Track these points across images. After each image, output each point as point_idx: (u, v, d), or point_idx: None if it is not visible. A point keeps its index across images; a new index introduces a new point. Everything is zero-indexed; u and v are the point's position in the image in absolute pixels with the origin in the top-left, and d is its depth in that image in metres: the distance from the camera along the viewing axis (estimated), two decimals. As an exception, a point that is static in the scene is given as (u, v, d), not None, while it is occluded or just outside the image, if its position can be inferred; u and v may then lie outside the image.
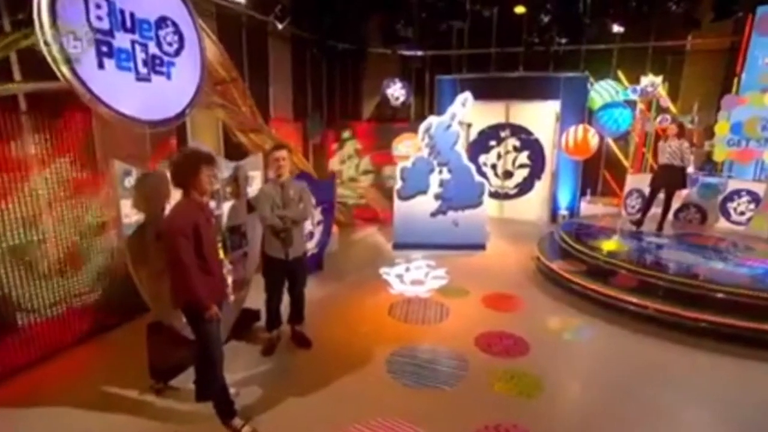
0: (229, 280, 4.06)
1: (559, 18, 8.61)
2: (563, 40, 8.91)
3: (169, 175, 3.13)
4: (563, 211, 9.64)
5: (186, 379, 3.64)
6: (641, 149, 9.17)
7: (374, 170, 9.79)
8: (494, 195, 9.89)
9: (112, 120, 3.35)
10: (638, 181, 8.25)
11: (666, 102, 8.75)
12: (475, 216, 7.64)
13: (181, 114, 3.94)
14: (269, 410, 3.44)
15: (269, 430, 3.24)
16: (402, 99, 10.57)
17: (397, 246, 7.68)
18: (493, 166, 10.23)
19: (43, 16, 2.91)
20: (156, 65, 3.66)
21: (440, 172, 7.49)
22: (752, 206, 7.26)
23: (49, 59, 2.91)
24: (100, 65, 3.21)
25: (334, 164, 10.02)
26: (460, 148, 7.49)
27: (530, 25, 9.33)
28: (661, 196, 6.88)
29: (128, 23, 3.39)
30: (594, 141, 8.36)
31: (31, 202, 3.82)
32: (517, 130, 9.89)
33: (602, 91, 8.59)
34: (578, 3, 8.63)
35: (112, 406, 3.46)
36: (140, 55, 3.51)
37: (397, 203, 7.63)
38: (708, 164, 8.32)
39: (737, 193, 7.44)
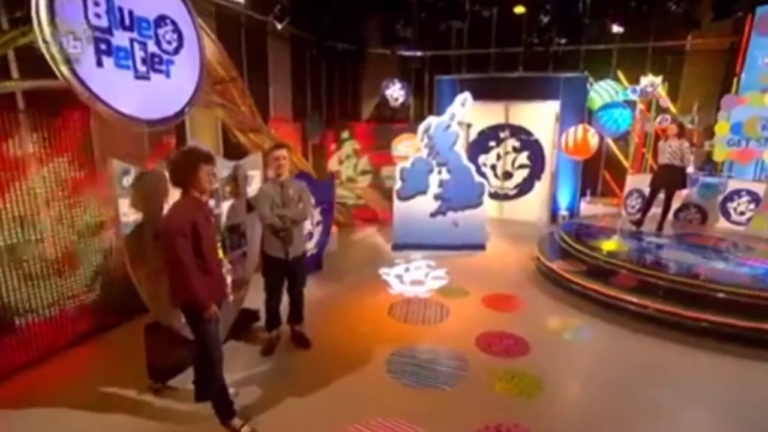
0: (228, 279, 4.03)
1: (559, 18, 8.62)
2: (563, 41, 8.92)
3: (167, 174, 3.11)
4: (563, 212, 9.62)
5: (185, 380, 3.62)
6: (641, 149, 9.16)
7: (372, 170, 9.76)
8: (494, 196, 9.87)
9: (110, 118, 3.33)
10: (638, 182, 8.24)
11: (666, 102, 8.75)
12: (475, 216, 7.62)
13: (180, 113, 3.91)
14: (268, 410, 3.42)
15: (268, 431, 3.22)
16: (401, 99, 10.57)
17: (397, 246, 7.66)
18: (493, 167, 10.21)
19: (41, 13, 2.89)
20: (155, 63, 3.64)
21: (440, 172, 7.47)
22: (752, 206, 7.25)
23: (48, 58, 2.89)
24: (99, 63, 3.19)
25: (332, 165, 10.02)
26: (460, 148, 7.47)
27: (530, 25, 9.33)
28: (661, 196, 6.87)
29: (127, 21, 3.37)
30: (594, 141, 8.34)
31: (28, 201, 3.80)
32: (517, 131, 9.87)
33: (602, 92, 8.59)
34: (578, 3, 8.63)
35: (110, 407, 3.44)
36: (139, 54, 3.49)
37: (397, 203, 7.61)
38: (708, 164, 8.31)
39: (737, 193, 7.43)
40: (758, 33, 7.97)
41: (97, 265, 4.45)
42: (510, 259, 7.29)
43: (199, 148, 3.30)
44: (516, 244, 8.08)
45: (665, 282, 5.06)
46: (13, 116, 3.68)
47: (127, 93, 3.40)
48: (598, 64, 9.43)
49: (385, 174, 9.63)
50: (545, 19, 8.69)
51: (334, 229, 7.24)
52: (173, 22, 3.76)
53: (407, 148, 9.18)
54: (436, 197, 7.55)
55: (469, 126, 9.70)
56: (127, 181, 3.24)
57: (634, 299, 5.01)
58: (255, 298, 4.50)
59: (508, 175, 10.15)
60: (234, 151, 6.06)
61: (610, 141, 9.52)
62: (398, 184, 7.54)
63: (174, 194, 3.20)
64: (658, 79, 8.49)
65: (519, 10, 9.18)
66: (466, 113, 7.47)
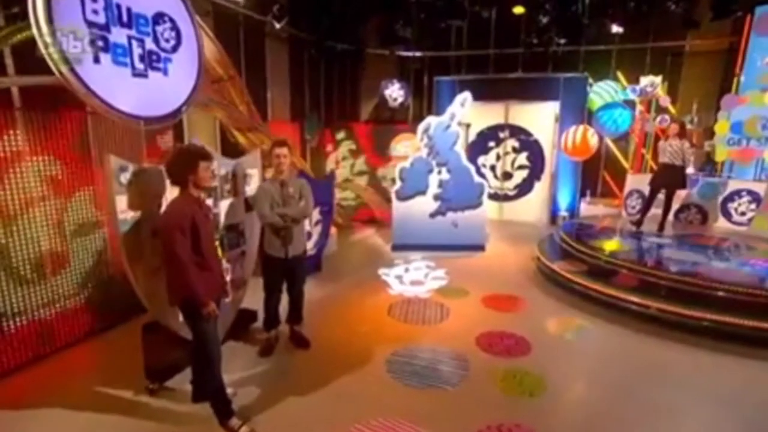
0: (227, 279, 4.00)
1: (558, 19, 8.63)
2: (562, 41, 8.93)
3: (165, 172, 3.08)
4: (563, 213, 9.61)
5: (182, 380, 3.58)
6: (641, 149, 9.15)
7: (369, 171, 9.72)
8: (493, 196, 9.85)
9: (107, 115, 3.31)
10: (638, 182, 8.23)
11: (665, 101, 8.74)
12: (475, 217, 7.59)
13: (178, 111, 3.89)
14: (267, 410, 3.37)
15: (268, 431, 3.18)
16: (400, 100, 10.56)
17: (396, 247, 7.63)
18: (492, 168, 10.20)
19: (38, 10, 2.87)
20: (153, 61, 3.62)
21: (439, 172, 7.44)
22: (753, 206, 7.23)
23: (46, 57, 2.86)
24: (96, 60, 3.16)
25: (329, 165, 9.97)
26: (460, 148, 7.45)
27: (529, 25, 9.35)
28: (661, 196, 6.85)
29: (124, 18, 3.35)
30: (594, 141, 8.33)
31: (24, 199, 3.76)
32: (517, 131, 9.87)
33: (601, 92, 8.59)
34: (577, 3, 8.63)
35: (107, 408, 3.39)
36: (137, 51, 3.47)
37: (396, 204, 7.58)
38: (708, 165, 8.30)
39: (738, 193, 7.42)
40: (757, 33, 7.98)
41: (94, 264, 4.40)
42: (510, 260, 7.26)
43: (197, 145, 3.27)
44: (516, 244, 8.05)
45: (667, 282, 5.03)
46: (9, 113, 3.64)
47: (125, 90, 3.39)
48: (597, 64, 9.45)
49: (382, 174, 9.59)
50: (544, 20, 8.71)
51: (333, 230, 7.21)
52: (171, 20, 3.74)
53: (406, 148, 9.15)
54: (436, 198, 7.53)
55: (468, 126, 9.67)
56: (125, 177, 3.21)
57: (636, 299, 4.98)
58: (253, 299, 4.46)
59: (507, 176, 10.13)
60: (232, 150, 6.03)
61: (609, 141, 9.51)
62: (398, 185, 7.51)
63: (172, 192, 3.16)
64: (658, 79, 8.49)
65: (518, 10, 9.19)
66: (466, 113, 7.44)
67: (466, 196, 7.49)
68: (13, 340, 3.79)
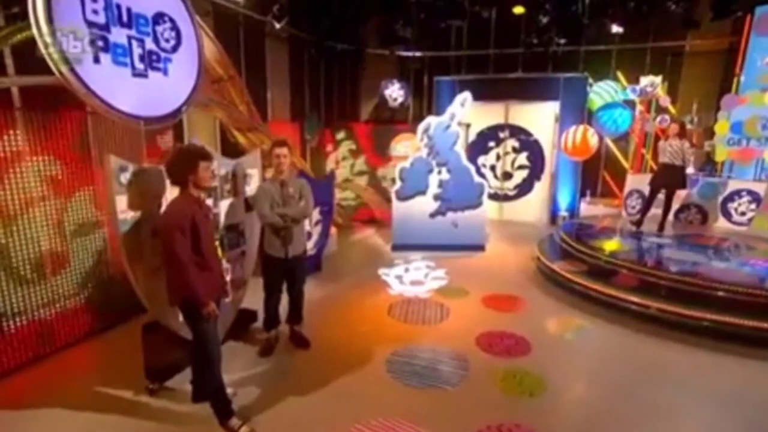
0: (227, 279, 4.00)
1: (558, 19, 8.63)
2: (562, 41, 8.92)
3: (165, 172, 3.08)
4: (563, 213, 9.60)
5: (182, 380, 3.58)
6: (641, 150, 9.15)
7: (369, 171, 9.71)
8: (493, 197, 9.85)
9: (107, 115, 3.31)
10: (638, 182, 8.22)
11: (665, 101, 8.74)
12: (475, 217, 7.59)
13: (178, 111, 3.89)
14: (267, 410, 3.37)
15: (267, 431, 3.18)
16: (400, 100, 10.55)
17: (396, 247, 7.63)
18: (492, 168, 10.19)
19: (38, 10, 2.87)
20: (153, 61, 3.62)
21: (439, 172, 7.44)
22: (753, 206, 7.23)
23: (46, 57, 2.86)
24: (96, 60, 3.16)
25: (329, 165, 9.97)
26: (460, 148, 7.44)
27: (529, 25, 9.34)
28: (661, 196, 6.85)
29: (124, 18, 3.35)
30: (594, 140, 8.33)
31: (24, 199, 3.76)
32: (517, 131, 9.86)
33: (601, 92, 8.59)
34: (577, 3, 8.63)
35: (107, 408, 3.39)
36: (137, 51, 3.47)
37: (396, 204, 7.57)
38: (708, 165, 8.30)
39: (738, 193, 7.41)
40: (757, 33, 7.98)
41: (93, 264, 4.40)
42: (510, 260, 7.26)
43: (196, 145, 3.27)
44: (516, 245, 8.05)
45: (667, 282, 5.03)
46: (9, 113, 3.64)
47: (125, 90, 3.39)
48: (597, 64, 9.45)
49: (381, 174, 9.58)
50: (544, 20, 8.71)
51: (333, 230, 7.21)
52: (171, 20, 3.74)
53: (406, 147, 9.14)
54: (436, 197, 7.52)
55: (468, 126, 9.67)
56: (125, 177, 3.21)
57: (636, 299, 4.98)
58: (253, 299, 4.46)
59: (507, 176, 10.12)
60: (232, 150, 6.03)
61: (609, 141, 9.50)
62: (398, 185, 7.51)
63: (171, 191, 3.16)
64: (658, 79, 8.49)
65: (518, 10, 9.19)
66: (466, 113, 7.43)
67: (466, 196, 7.49)
68: (13, 340, 3.79)
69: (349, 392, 3.65)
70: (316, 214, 6.21)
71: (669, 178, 6.57)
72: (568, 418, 3.42)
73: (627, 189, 8.58)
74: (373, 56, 10.70)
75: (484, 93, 8.77)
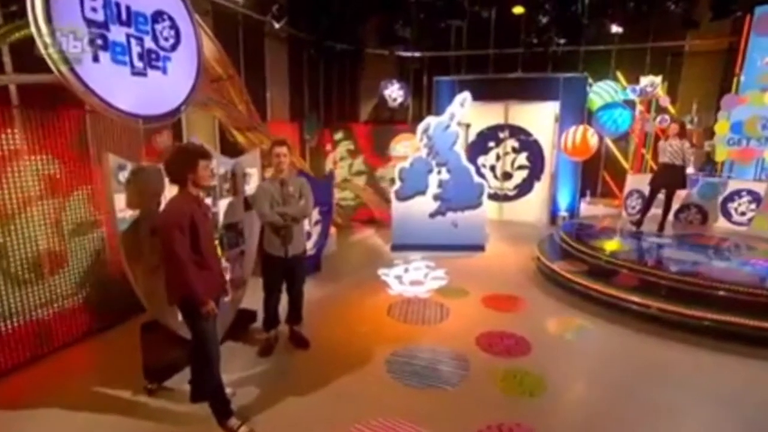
0: (226, 278, 3.98)
1: (558, 19, 8.62)
2: (562, 41, 8.92)
3: (164, 170, 3.06)
4: (563, 213, 9.58)
5: (181, 380, 3.56)
6: (641, 150, 9.14)
7: (367, 171, 9.69)
8: (493, 197, 9.83)
9: (106, 114, 3.30)
10: (638, 182, 8.21)
11: (665, 101, 8.73)
12: (475, 217, 7.57)
13: (177, 110, 3.88)
14: (267, 410, 3.35)
15: (267, 431, 3.16)
16: (400, 100, 10.54)
17: (396, 247, 7.61)
18: (492, 168, 10.18)
19: (36, 9, 2.85)
20: (152, 60, 3.61)
21: (439, 172, 7.42)
22: (753, 206, 7.21)
23: (46, 57, 2.84)
24: (95, 58, 3.15)
25: (328, 165, 9.95)
26: (459, 148, 7.43)
27: (529, 25, 9.34)
28: (661, 196, 6.84)
29: (123, 16, 3.34)
30: (594, 140, 8.32)
31: (22, 198, 3.74)
32: (516, 131, 9.84)
33: (601, 92, 8.58)
34: (577, 3, 8.63)
35: (105, 408, 3.37)
36: (136, 49, 3.46)
37: (396, 204, 7.55)
38: (708, 164, 8.29)
39: (738, 193, 7.40)
40: (757, 33, 7.98)
41: (91, 264, 4.38)
42: (510, 260, 7.24)
43: (196, 144, 3.26)
44: (516, 245, 8.03)
45: (667, 281, 5.01)
46: (7, 111, 3.62)
47: (124, 89, 3.37)
48: (597, 64, 9.44)
49: (380, 174, 9.56)
50: (544, 20, 8.70)
51: (332, 230, 7.19)
52: (170, 18, 3.73)
53: (406, 148, 9.12)
54: (436, 198, 7.51)
55: (468, 126, 9.65)
56: (123, 176, 3.19)
57: (637, 299, 4.96)
58: (252, 299, 4.44)
59: (507, 176, 10.11)
60: (231, 149, 6.01)
61: (609, 141, 9.49)
62: (397, 185, 7.49)
63: (170, 190, 3.15)
64: (658, 79, 8.48)
65: (518, 10, 9.18)
66: (466, 113, 7.42)
67: (465, 196, 7.47)
68: (10, 340, 3.77)
69: (349, 392, 3.64)
70: (315, 214, 6.19)
71: (669, 177, 6.56)
72: (568, 418, 3.40)
73: (627, 189, 8.56)
74: (373, 56, 10.69)
75: (483, 93, 8.75)
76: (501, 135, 9.93)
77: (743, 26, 8.08)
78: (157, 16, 3.61)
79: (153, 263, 3.26)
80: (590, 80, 9.15)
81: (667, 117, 8.64)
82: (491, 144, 10.03)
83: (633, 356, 4.27)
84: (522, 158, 9.91)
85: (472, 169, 7.49)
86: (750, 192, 7.29)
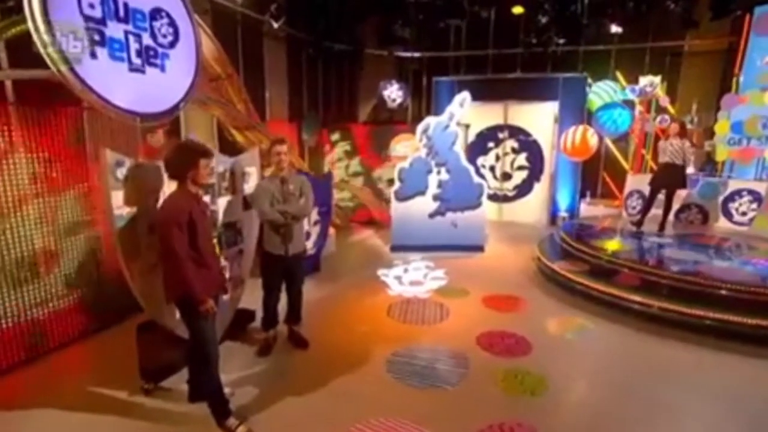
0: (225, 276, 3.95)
1: (557, 19, 8.62)
2: (561, 41, 8.91)
3: (164, 166, 3.03)
4: (563, 213, 9.55)
5: (178, 380, 3.53)
6: (641, 150, 9.13)
7: (364, 172, 9.65)
8: (493, 197, 9.79)
9: (103, 111, 3.27)
10: (638, 182, 8.19)
11: (665, 101, 8.72)
12: (474, 217, 7.54)
13: (175, 108, 3.86)
14: (265, 410, 3.32)
15: (265, 431, 3.12)
16: (399, 100, 10.51)
17: (395, 248, 7.57)
18: (492, 168, 10.14)
19: (33, 4, 2.82)
20: (150, 57, 3.58)
21: (438, 172, 7.39)
22: (754, 206, 7.20)
23: (45, 57, 2.81)
24: (93, 55, 3.12)
25: (325, 166, 9.91)
26: (459, 148, 7.40)
27: (528, 25, 9.33)
28: (661, 196, 6.82)
29: (121, 12, 3.31)
30: (593, 140, 8.29)
31: (17, 196, 3.70)
32: (516, 132, 9.81)
33: (601, 92, 8.57)
34: (576, 3, 8.62)
35: (101, 408, 3.33)
36: (134, 46, 3.43)
37: (395, 204, 7.52)
38: (708, 164, 8.28)
39: (738, 193, 7.38)
40: (756, 33, 7.97)
41: (87, 263, 4.34)
42: (510, 261, 7.22)
43: (197, 141, 3.23)
44: (516, 245, 8.00)
45: (668, 281, 4.99)
46: (3, 108, 3.58)
47: (121, 86, 3.35)
48: (596, 64, 9.44)
49: (377, 175, 9.53)
50: (544, 20, 8.70)
51: (331, 230, 7.16)
52: (169, 16, 3.70)
53: (405, 148, 9.08)
54: (435, 198, 7.47)
55: (467, 126, 9.62)
56: (121, 173, 3.16)
57: (638, 298, 4.94)
58: (251, 299, 4.41)
59: (507, 177, 10.08)
60: (230, 148, 5.98)
61: (609, 142, 9.48)
62: (397, 185, 7.46)
63: (169, 186, 3.12)
64: (657, 79, 8.47)
65: (517, 10, 9.17)
66: (465, 113, 7.39)
67: (465, 196, 7.44)
68: (5, 339, 3.72)
69: (349, 392, 3.60)
70: (314, 215, 6.16)
71: (669, 177, 6.54)
72: (570, 418, 3.37)
73: (627, 189, 8.54)
74: (372, 56, 10.68)
75: (483, 93, 8.72)
76: (500, 135, 9.90)
77: (743, 26, 8.08)
78: (155, 13, 3.59)
79: (150, 261, 3.22)
80: (590, 80, 9.14)
81: (666, 117, 8.63)
82: (491, 144, 10.00)
83: (634, 355, 4.25)
84: (521, 159, 9.87)
85: (471, 169, 7.46)
86: (751, 192, 7.27)
